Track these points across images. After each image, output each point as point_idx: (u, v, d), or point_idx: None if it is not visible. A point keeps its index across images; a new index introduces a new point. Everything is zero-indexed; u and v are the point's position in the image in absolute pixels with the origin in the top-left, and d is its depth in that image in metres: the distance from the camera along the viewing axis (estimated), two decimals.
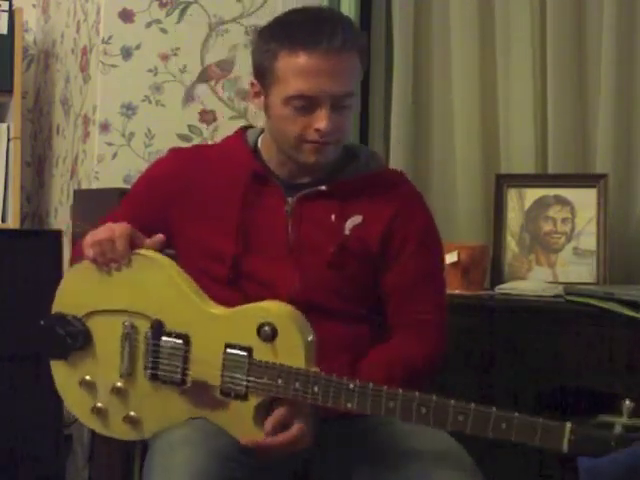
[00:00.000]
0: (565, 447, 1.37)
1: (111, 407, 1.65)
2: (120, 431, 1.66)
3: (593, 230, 2.30)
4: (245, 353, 1.54)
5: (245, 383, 1.54)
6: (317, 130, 1.63)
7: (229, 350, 1.55)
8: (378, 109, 2.88)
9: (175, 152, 1.85)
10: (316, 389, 1.50)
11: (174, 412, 1.60)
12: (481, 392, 2.12)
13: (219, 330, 1.57)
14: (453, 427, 1.44)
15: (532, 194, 2.39)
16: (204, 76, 2.93)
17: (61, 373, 1.69)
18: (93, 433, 2.67)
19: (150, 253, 1.63)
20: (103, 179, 2.84)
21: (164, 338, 1.59)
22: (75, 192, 2.99)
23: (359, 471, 1.61)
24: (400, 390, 1.47)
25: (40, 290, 2.55)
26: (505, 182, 2.43)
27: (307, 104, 1.62)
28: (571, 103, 2.46)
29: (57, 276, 2.63)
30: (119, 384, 1.63)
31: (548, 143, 2.50)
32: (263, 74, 1.67)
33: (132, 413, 1.63)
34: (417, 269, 1.72)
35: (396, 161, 2.75)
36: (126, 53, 2.87)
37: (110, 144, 2.85)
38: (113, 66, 2.86)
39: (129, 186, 2.71)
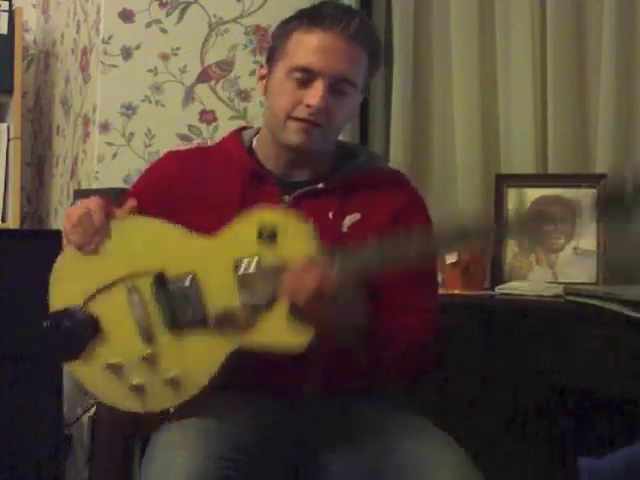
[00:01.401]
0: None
1: (148, 378, 1.59)
2: (166, 399, 1.59)
3: (593, 230, 2.30)
4: (254, 265, 1.53)
5: (265, 293, 1.53)
6: (308, 106, 1.63)
7: (237, 267, 1.54)
8: (378, 109, 2.88)
9: (172, 154, 1.85)
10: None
11: (211, 354, 1.56)
12: (481, 392, 2.12)
13: (220, 254, 1.57)
14: None
15: (532, 194, 2.39)
16: (204, 76, 2.93)
17: (81, 368, 1.64)
18: (93, 433, 2.67)
19: (126, 217, 1.63)
20: (103, 179, 2.84)
21: (171, 286, 1.58)
22: (75, 192, 2.99)
23: (359, 469, 1.60)
24: None
25: (40, 290, 2.55)
26: (505, 182, 2.43)
27: (306, 77, 1.64)
28: (571, 103, 2.46)
29: None
30: (146, 352, 1.59)
31: (548, 143, 2.50)
32: (273, 54, 1.71)
33: (171, 374, 1.58)
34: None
35: (396, 161, 2.75)
36: (126, 53, 2.87)
37: (110, 144, 2.85)
38: (113, 66, 2.86)
39: (129, 186, 2.72)
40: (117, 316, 1.61)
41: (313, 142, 1.67)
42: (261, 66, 1.76)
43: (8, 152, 3.23)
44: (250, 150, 1.77)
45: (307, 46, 1.65)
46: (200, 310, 1.57)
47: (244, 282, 1.54)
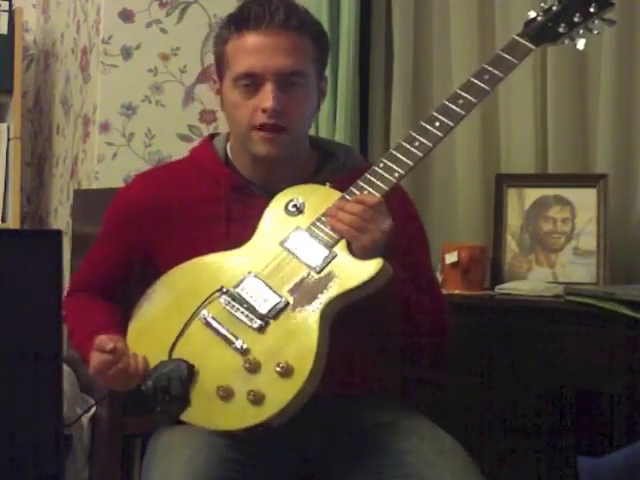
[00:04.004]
0: None
1: (260, 383, 1.51)
2: (286, 391, 1.50)
3: (593, 230, 2.30)
4: (300, 234, 1.57)
5: (321, 247, 1.55)
6: (264, 111, 1.60)
7: (287, 245, 1.57)
8: (378, 109, 2.88)
9: (141, 177, 1.80)
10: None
11: (305, 327, 1.52)
12: (481, 392, 2.12)
13: (266, 245, 1.59)
14: None
15: (532, 194, 2.39)
16: (204, 76, 2.93)
17: (196, 411, 1.55)
18: (93, 433, 2.67)
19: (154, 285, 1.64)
20: (103, 179, 2.84)
21: (238, 292, 1.55)
22: (75, 192, 2.99)
23: (360, 470, 1.60)
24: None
25: (40, 290, 2.56)
26: (505, 182, 2.43)
27: (252, 83, 1.61)
28: (571, 103, 2.46)
29: (57, 276, 2.63)
30: (245, 359, 1.52)
31: (548, 143, 2.50)
32: (218, 65, 1.68)
33: (285, 363, 1.50)
34: (413, 260, 1.70)
35: None
36: (126, 53, 2.87)
37: (110, 144, 2.86)
38: (113, 66, 2.86)
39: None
40: (205, 347, 1.56)
41: (281, 149, 1.63)
42: (214, 81, 1.72)
43: (8, 152, 3.23)
44: (226, 160, 1.73)
45: (243, 51, 1.61)
46: (275, 296, 1.54)
47: (297, 250, 1.57)
